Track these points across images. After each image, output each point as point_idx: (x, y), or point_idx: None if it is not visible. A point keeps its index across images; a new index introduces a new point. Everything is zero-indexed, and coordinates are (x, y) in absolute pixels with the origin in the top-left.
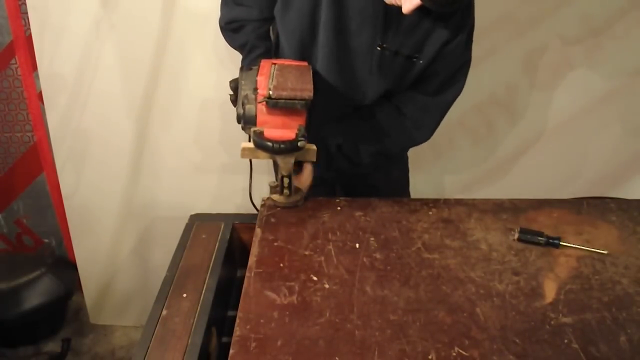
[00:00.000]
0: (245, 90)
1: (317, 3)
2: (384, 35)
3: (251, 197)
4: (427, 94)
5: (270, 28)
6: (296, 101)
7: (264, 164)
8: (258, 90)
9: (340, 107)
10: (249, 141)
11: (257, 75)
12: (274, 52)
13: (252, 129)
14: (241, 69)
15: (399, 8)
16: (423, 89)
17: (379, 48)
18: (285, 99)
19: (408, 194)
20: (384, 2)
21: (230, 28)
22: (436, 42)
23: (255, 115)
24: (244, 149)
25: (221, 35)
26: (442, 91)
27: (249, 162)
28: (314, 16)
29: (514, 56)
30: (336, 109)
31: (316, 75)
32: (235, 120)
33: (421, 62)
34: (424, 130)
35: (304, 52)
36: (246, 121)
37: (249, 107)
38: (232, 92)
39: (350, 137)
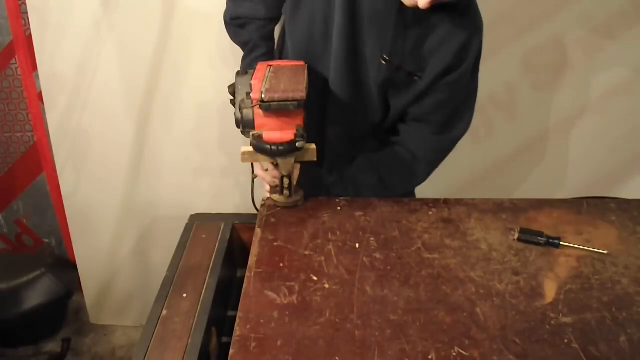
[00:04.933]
0: (241, 95)
1: (329, 4)
2: (391, 46)
3: (253, 200)
4: (432, 131)
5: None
6: (289, 102)
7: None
8: (252, 95)
9: (352, 123)
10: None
11: (251, 79)
12: (279, 52)
13: (251, 133)
14: (237, 73)
15: (412, 14)
16: (429, 124)
17: (383, 62)
18: (278, 101)
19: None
20: (396, 11)
21: (236, 24)
22: (439, 63)
23: (253, 119)
24: (243, 153)
25: (221, 35)
26: (449, 128)
27: (250, 164)
28: (326, 19)
29: (514, 56)
30: (350, 126)
31: (328, 86)
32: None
33: (422, 81)
34: (424, 168)
35: (312, 55)
36: (244, 125)
37: (246, 112)
38: (232, 97)
39: (350, 187)
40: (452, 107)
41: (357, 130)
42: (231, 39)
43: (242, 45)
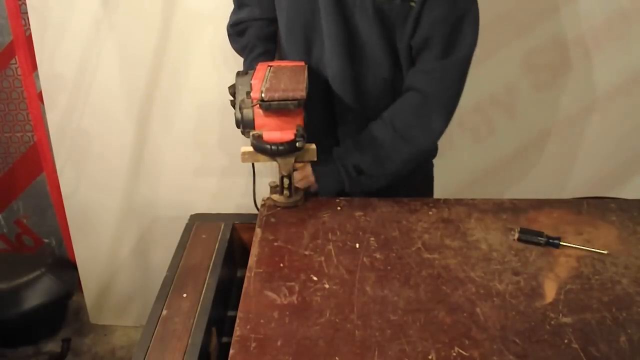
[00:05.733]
0: (241, 95)
1: None
2: None
3: (255, 200)
4: (435, 56)
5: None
6: (289, 102)
7: (266, 166)
8: (252, 94)
9: (359, 84)
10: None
11: (251, 79)
12: (280, 52)
13: (251, 133)
14: (237, 73)
15: None
16: (430, 50)
17: None
18: (278, 101)
19: None
20: None
21: (236, 31)
22: None
23: (253, 119)
24: (244, 153)
25: (221, 35)
26: (452, 49)
27: (251, 164)
28: None
29: (514, 56)
30: (357, 88)
31: (324, 54)
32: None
33: (414, 4)
34: (437, 107)
35: (304, 27)
36: (244, 125)
37: (246, 112)
38: (232, 98)
39: (369, 151)
40: (450, 23)
41: (367, 94)
42: (234, 49)
43: (242, 49)
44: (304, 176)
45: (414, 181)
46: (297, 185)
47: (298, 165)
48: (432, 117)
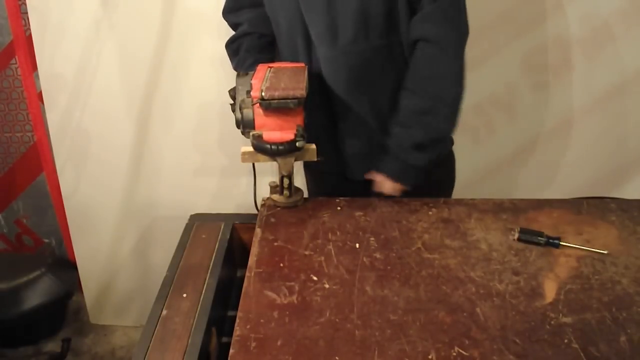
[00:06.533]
0: (241, 95)
1: None
2: None
3: (255, 200)
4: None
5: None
6: (289, 100)
7: (267, 166)
8: (252, 93)
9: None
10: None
11: (251, 79)
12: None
13: (251, 133)
14: (237, 74)
15: None
16: None
17: None
18: (278, 99)
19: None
20: None
21: (231, 49)
22: None
23: (253, 119)
24: (244, 153)
25: (221, 35)
26: None
27: (251, 165)
28: None
29: (514, 56)
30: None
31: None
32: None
33: None
34: (453, 55)
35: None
36: (245, 125)
37: (246, 111)
38: (232, 102)
39: (415, 125)
40: None
41: (369, 64)
42: (233, 67)
43: (237, 66)
44: (390, 188)
45: (437, 175)
46: (394, 194)
47: (377, 187)
48: (450, 63)
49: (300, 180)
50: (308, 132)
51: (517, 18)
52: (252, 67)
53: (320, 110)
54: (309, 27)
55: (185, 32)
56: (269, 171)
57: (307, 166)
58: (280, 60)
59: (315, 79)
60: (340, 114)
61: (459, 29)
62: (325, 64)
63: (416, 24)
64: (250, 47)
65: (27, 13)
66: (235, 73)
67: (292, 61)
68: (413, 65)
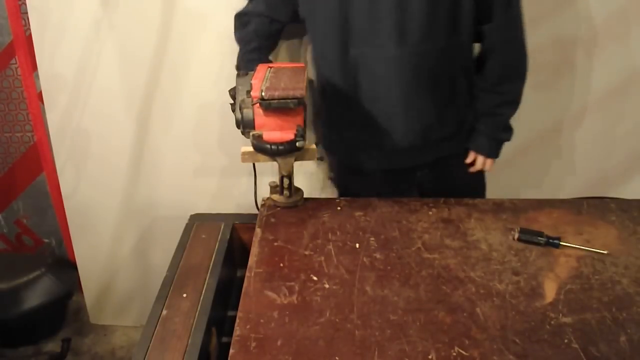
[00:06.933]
0: (241, 95)
1: None
2: None
3: (256, 199)
4: (504, 9)
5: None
6: (289, 100)
7: (267, 166)
8: (252, 93)
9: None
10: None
11: (251, 79)
12: (314, 64)
13: (251, 133)
14: (237, 75)
15: None
16: (498, 6)
17: None
18: (278, 99)
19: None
20: None
21: (239, 22)
22: None
23: (253, 119)
24: (244, 153)
25: (221, 35)
26: None
27: (252, 165)
28: None
29: None
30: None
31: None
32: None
33: None
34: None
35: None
36: (245, 125)
37: (246, 112)
38: (232, 102)
39: (500, 116)
40: None
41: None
42: (235, 37)
43: (240, 41)
44: (490, 164)
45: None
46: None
47: (474, 167)
48: (522, 57)
49: (300, 181)
50: (350, 132)
51: None
52: (254, 52)
53: (363, 107)
54: (357, 26)
55: (185, 32)
56: (269, 171)
57: (352, 172)
58: (314, 53)
59: (350, 76)
60: (394, 110)
61: (522, 28)
62: (389, 62)
63: (492, 32)
64: (259, 29)
65: (27, 13)
66: (235, 73)
67: (325, 57)
68: (498, 66)
